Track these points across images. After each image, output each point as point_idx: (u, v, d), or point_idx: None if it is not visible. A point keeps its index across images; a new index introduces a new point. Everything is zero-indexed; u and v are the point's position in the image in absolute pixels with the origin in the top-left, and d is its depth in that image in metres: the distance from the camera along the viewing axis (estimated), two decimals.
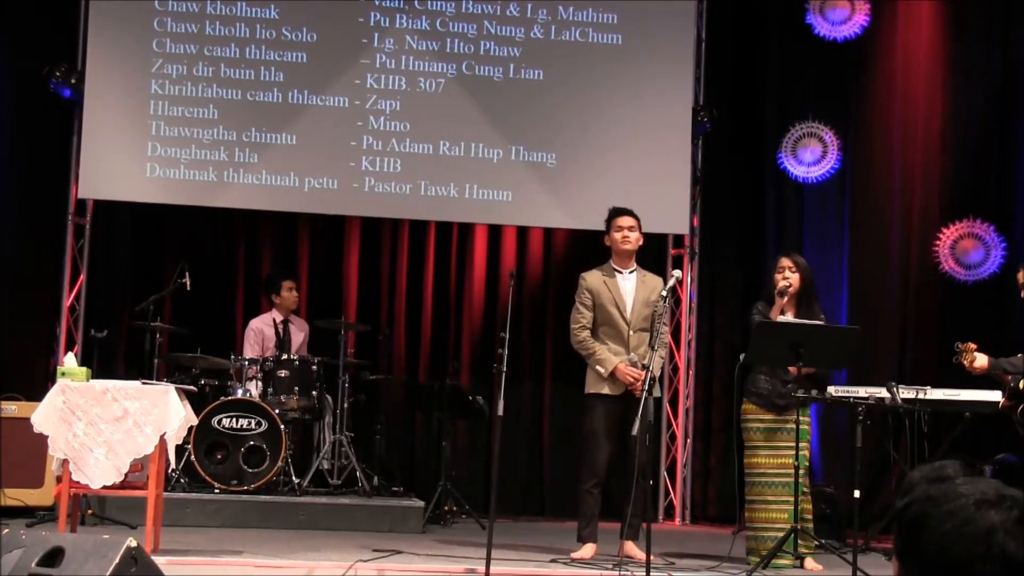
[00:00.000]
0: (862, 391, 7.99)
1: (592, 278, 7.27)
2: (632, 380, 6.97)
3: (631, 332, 7.14)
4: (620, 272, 7.27)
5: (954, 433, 8.25)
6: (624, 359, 7.06)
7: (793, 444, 6.82)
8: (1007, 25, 10.17)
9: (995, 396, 7.62)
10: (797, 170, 10.20)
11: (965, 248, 9.97)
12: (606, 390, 7.07)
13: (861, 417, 6.52)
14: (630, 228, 7.27)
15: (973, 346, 7.32)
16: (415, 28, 9.84)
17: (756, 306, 7.27)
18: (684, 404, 10.25)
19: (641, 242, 7.35)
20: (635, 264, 7.33)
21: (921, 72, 10.27)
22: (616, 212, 7.35)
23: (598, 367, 7.08)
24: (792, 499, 6.83)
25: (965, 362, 7.30)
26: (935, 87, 10.25)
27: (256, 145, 9.58)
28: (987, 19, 10.27)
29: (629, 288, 7.23)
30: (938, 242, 10.00)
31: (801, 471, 6.90)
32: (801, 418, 6.91)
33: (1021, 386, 7.33)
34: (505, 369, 6.23)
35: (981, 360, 7.29)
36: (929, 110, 10.24)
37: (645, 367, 6.80)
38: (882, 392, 7.81)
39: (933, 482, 1.67)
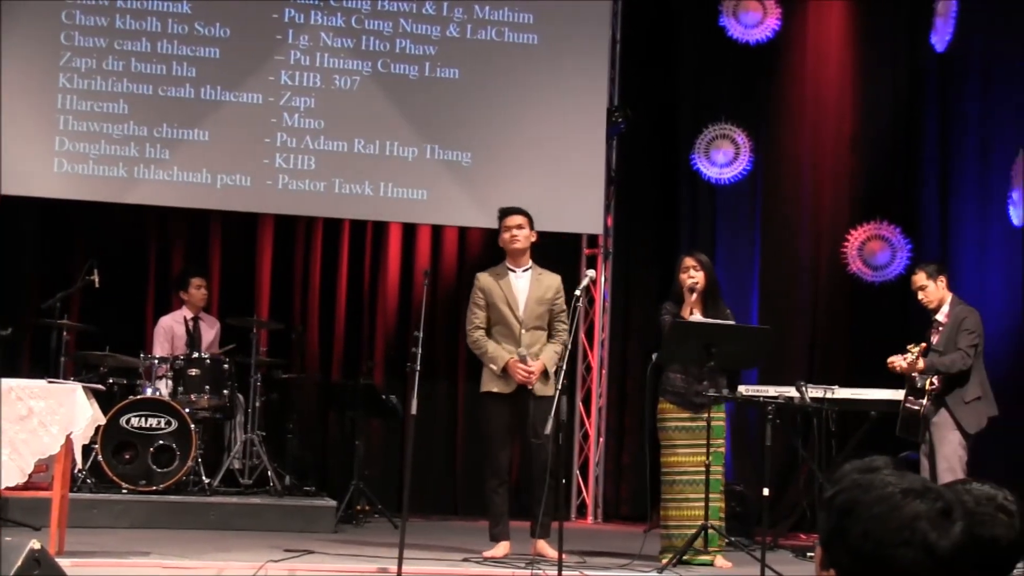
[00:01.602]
0: (772, 390, 8.10)
1: (485, 278, 7.30)
2: (523, 376, 7.00)
3: (523, 330, 7.16)
4: (513, 271, 7.28)
5: (860, 431, 8.38)
6: (514, 355, 7.08)
7: (706, 442, 6.92)
8: (914, 27, 10.36)
9: (900, 395, 7.76)
10: (710, 171, 10.29)
11: (872, 250, 10.14)
12: (499, 388, 7.09)
13: (771, 416, 6.61)
14: (518, 227, 7.29)
15: (924, 346, 7.48)
16: (330, 25, 9.78)
17: (664, 306, 7.32)
18: (597, 403, 10.30)
19: (533, 238, 7.35)
20: (530, 262, 7.34)
21: (831, 74, 10.42)
22: (504, 212, 7.39)
23: (491, 365, 7.11)
24: (712, 495, 6.93)
25: (907, 361, 7.42)
26: (845, 89, 10.41)
27: (168, 141, 9.46)
28: (894, 22, 10.45)
29: (522, 286, 7.25)
30: (846, 243, 10.15)
31: (719, 468, 6.99)
32: (716, 415, 7.00)
33: (927, 386, 7.48)
34: (419, 368, 6.23)
35: (920, 364, 7.45)
36: (839, 112, 10.40)
37: (535, 360, 6.88)
38: (791, 391, 7.91)
39: (863, 472, 1.73)
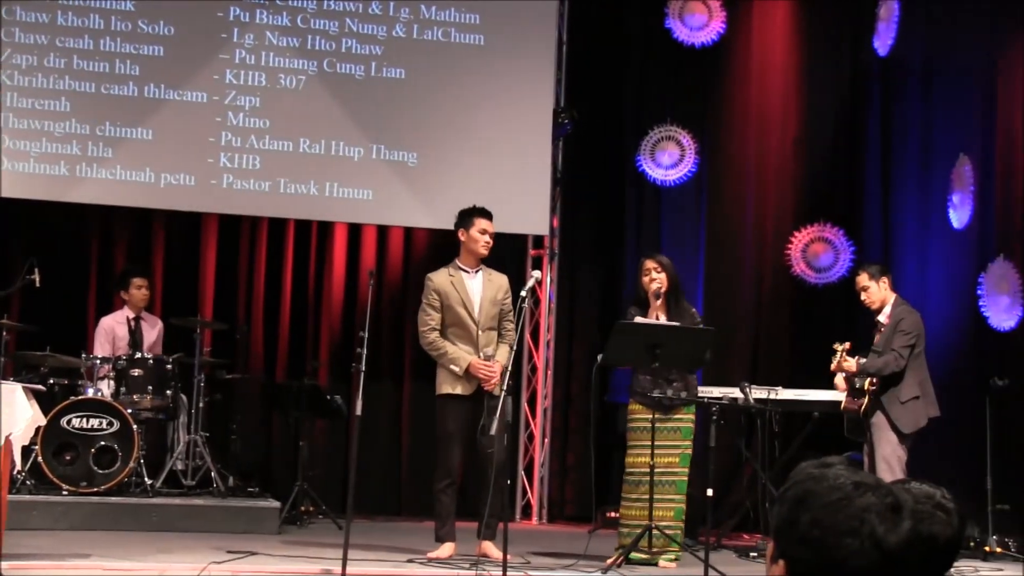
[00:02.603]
0: (716, 391, 8.15)
1: (439, 278, 7.24)
2: (486, 375, 6.99)
3: (480, 331, 7.14)
4: (467, 271, 7.25)
5: (804, 432, 8.45)
6: (474, 356, 7.07)
7: (675, 443, 7.01)
8: (857, 31, 10.47)
9: (841, 396, 7.83)
10: (655, 173, 10.34)
11: (816, 252, 10.23)
12: (458, 390, 7.07)
13: (715, 417, 6.65)
14: (492, 234, 7.28)
15: (848, 346, 7.55)
16: (276, 24, 9.73)
17: (629, 311, 7.35)
18: (542, 404, 10.32)
19: None
20: (481, 263, 7.34)
21: (775, 77, 10.51)
22: (481, 212, 7.29)
23: (452, 366, 7.06)
24: (675, 496, 7.00)
25: (836, 361, 7.50)
26: (789, 92, 10.50)
27: (110, 139, 9.38)
28: (838, 26, 10.56)
29: (476, 287, 7.22)
30: (790, 245, 10.23)
31: (685, 470, 7.05)
32: (686, 416, 7.05)
33: (865, 386, 7.56)
34: (364, 368, 6.21)
35: (850, 363, 7.51)
36: (783, 115, 10.48)
37: (495, 360, 6.87)
38: (735, 392, 7.96)
39: (818, 467, 1.76)
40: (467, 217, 7.29)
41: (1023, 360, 9.48)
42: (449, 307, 7.17)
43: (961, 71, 9.95)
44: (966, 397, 8.90)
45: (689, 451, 7.17)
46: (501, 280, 7.32)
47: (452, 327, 7.17)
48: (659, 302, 7.18)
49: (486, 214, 7.29)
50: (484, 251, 7.26)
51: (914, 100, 10.19)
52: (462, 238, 7.29)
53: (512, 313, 7.14)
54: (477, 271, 7.27)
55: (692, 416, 7.19)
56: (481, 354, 7.06)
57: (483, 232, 7.23)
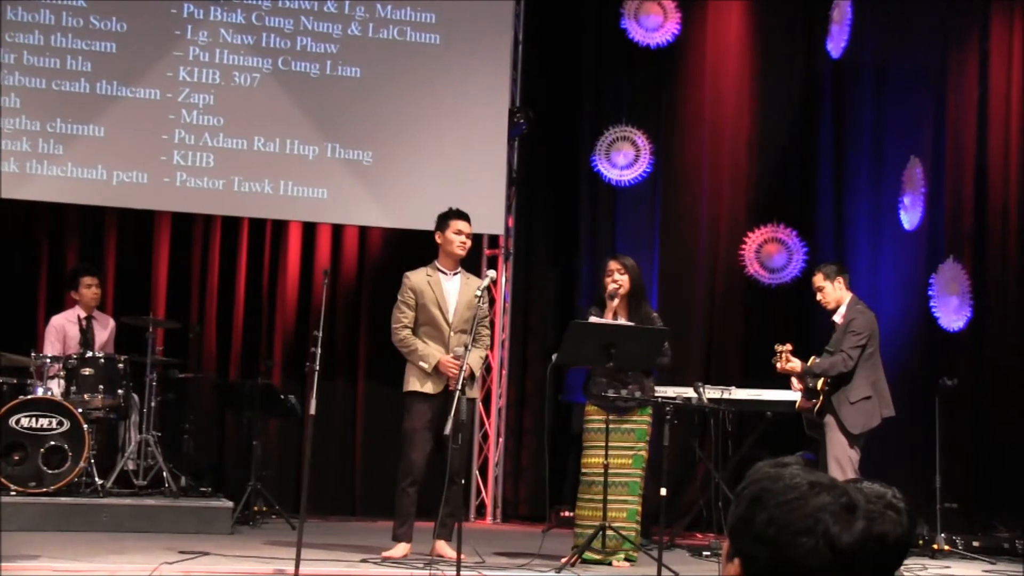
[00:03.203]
0: (670, 391, 8.18)
1: (416, 278, 7.27)
2: (455, 372, 6.99)
3: (452, 333, 7.16)
4: (445, 273, 7.28)
5: (757, 432, 8.49)
6: (443, 353, 7.07)
7: (629, 444, 7.04)
8: (811, 33, 10.54)
9: (795, 396, 7.88)
10: (610, 173, 10.37)
11: (769, 252, 10.29)
12: (426, 388, 7.07)
13: (669, 416, 6.68)
14: (468, 235, 7.32)
15: (790, 347, 7.58)
16: (230, 21, 9.67)
17: (590, 310, 7.37)
18: (497, 403, 10.32)
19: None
20: (460, 267, 7.36)
21: (730, 79, 10.56)
22: (458, 214, 7.34)
23: (421, 363, 7.09)
24: (628, 498, 7.01)
25: (779, 363, 7.55)
26: (743, 93, 10.55)
27: (61, 136, 9.29)
28: (792, 28, 10.63)
29: (453, 289, 7.25)
30: (744, 246, 10.29)
31: (639, 471, 7.06)
32: (640, 418, 7.07)
33: (818, 386, 7.61)
34: (318, 368, 6.19)
35: (794, 363, 7.54)
36: (737, 116, 10.53)
37: (460, 356, 6.87)
38: (689, 392, 7.99)
39: (774, 466, 1.77)
40: (443, 219, 7.36)
41: (972, 361, 9.59)
42: (423, 306, 7.19)
43: (913, 74, 10.05)
44: (916, 397, 8.99)
45: (643, 453, 7.18)
46: (478, 284, 7.33)
47: (425, 326, 7.19)
48: (616, 303, 7.20)
49: (462, 216, 7.34)
50: (460, 252, 7.31)
51: (867, 102, 10.27)
52: (439, 240, 7.35)
53: (488, 319, 7.16)
54: (455, 273, 7.31)
55: (647, 419, 7.21)
56: (451, 353, 7.06)
57: (459, 233, 7.27)
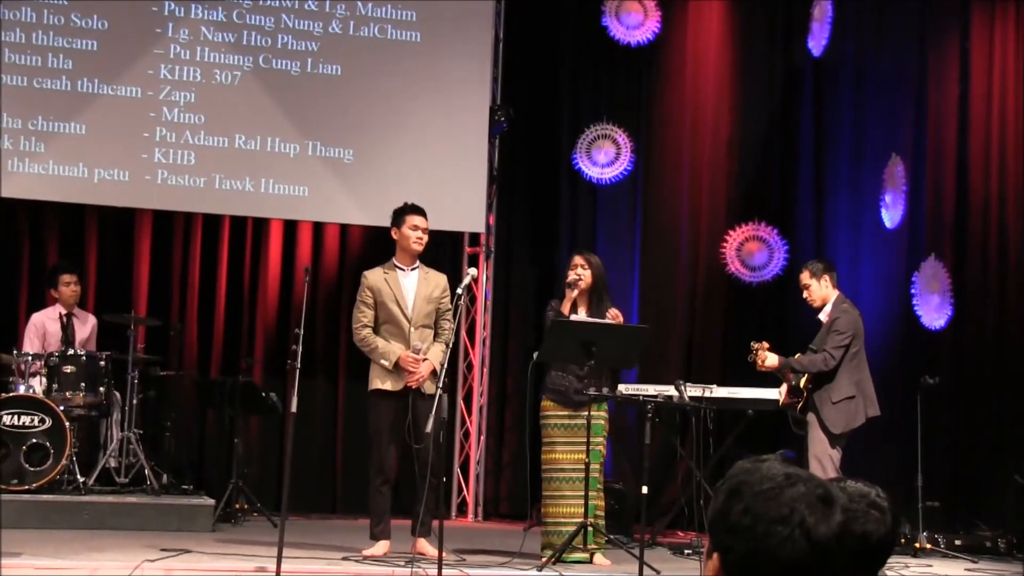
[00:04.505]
0: (651, 389, 8.19)
1: (373, 276, 7.27)
2: (415, 368, 7.00)
3: (412, 329, 7.16)
4: (402, 269, 7.28)
5: (737, 429, 8.52)
6: (404, 350, 7.07)
7: (584, 439, 6.96)
8: (791, 32, 10.57)
9: (775, 394, 7.91)
10: (591, 171, 10.38)
11: (750, 250, 10.31)
12: (388, 386, 7.08)
13: (650, 415, 6.68)
14: (424, 230, 7.30)
15: (766, 345, 7.61)
16: (211, 19, 9.65)
17: (550, 303, 7.38)
18: (478, 401, 10.33)
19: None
20: (418, 261, 7.36)
21: (710, 77, 10.58)
22: (413, 209, 7.33)
23: (382, 360, 7.10)
24: (589, 493, 6.97)
25: (757, 360, 7.57)
26: (723, 91, 10.57)
27: (43, 134, 9.26)
28: (772, 26, 10.65)
29: (410, 285, 7.25)
30: (725, 244, 10.31)
31: (597, 466, 7.03)
32: (597, 413, 7.04)
33: (802, 384, 7.63)
34: (299, 365, 6.19)
35: (772, 360, 7.56)
36: (717, 113, 10.55)
37: (424, 354, 6.88)
38: (670, 390, 8.01)
39: (752, 462, 1.78)
40: (399, 215, 7.34)
41: (953, 359, 9.65)
42: (382, 304, 7.19)
43: (894, 72, 10.10)
44: (897, 395, 9.04)
45: (601, 448, 7.17)
46: (439, 279, 7.34)
47: (385, 324, 7.19)
48: (574, 293, 7.18)
49: (417, 210, 7.32)
50: (417, 247, 7.28)
51: (847, 100, 10.32)
52: (395, 236, 7.34)
53: (451, 312, 7.14)
54: (413, 269, 7.29)
55: (604, 413, 7.20)
56: (411, 349, 7.07)
57: (415, 228, 7.26)
